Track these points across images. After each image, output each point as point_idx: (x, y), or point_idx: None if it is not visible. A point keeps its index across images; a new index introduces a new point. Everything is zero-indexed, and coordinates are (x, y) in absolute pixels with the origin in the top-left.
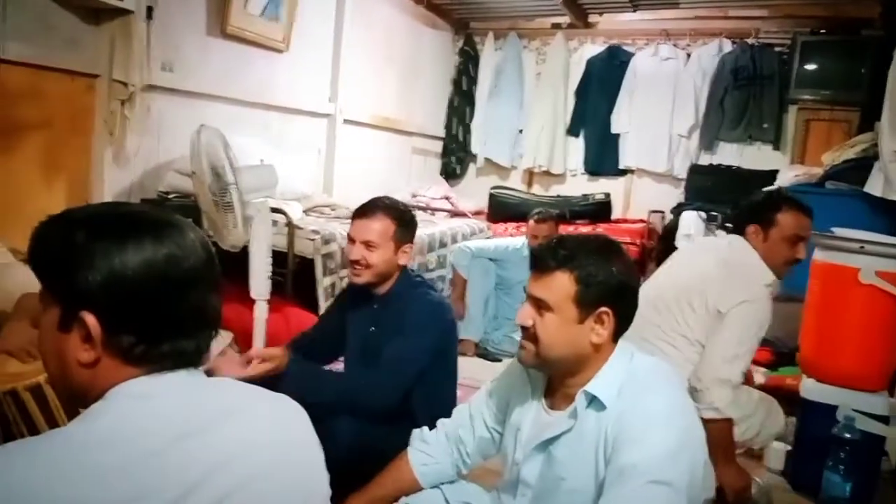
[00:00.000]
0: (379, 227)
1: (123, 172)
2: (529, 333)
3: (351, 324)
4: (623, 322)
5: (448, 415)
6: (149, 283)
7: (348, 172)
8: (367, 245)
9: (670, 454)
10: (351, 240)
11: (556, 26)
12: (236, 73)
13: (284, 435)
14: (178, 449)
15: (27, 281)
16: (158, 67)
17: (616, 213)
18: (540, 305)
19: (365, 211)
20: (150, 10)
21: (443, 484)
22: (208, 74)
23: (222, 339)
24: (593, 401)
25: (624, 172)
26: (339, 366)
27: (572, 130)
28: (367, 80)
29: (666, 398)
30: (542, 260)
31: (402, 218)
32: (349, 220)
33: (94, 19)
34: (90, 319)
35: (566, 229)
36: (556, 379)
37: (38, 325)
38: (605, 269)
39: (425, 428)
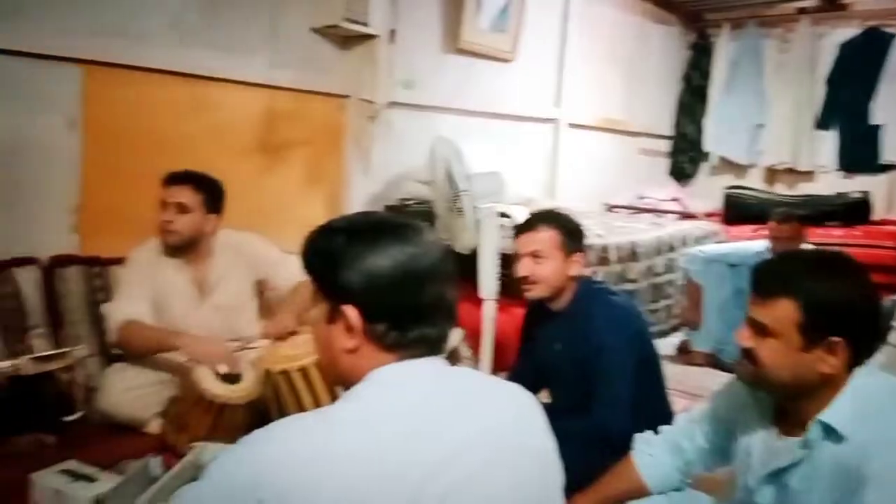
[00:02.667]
0: (544, 237)
1: (369, 182)
2: (749, 355)
3: (539, 347)
4: (861, 350)
5: (664, 418)
6: (396, 278)
7: (572, 176)
8: (535, 256)
9: None
10: (517, 256)
11: (802, 11)
12: (467, 86)
13: (521, 423)
14: (427, 431)
15: (297, 273)
16: (399, 85)
17: (877, 214)
18: (760, 329)
19: (528, 224)
20: (392, 33)
21: (670, 491)
22: (442, 89)
23: (454, 336)
24: (828, 431)
25: (886, 168)
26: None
27: (822, 123)
28: (591, 83)
29: None
30: (762, 283)
31: (568, 227)
32: None
33: (345, 45)
34: (351, 312)
35: (815, 232)
36: (783, 402)
37: (301, 318)
38: (834, 295)
39: (649, 432)
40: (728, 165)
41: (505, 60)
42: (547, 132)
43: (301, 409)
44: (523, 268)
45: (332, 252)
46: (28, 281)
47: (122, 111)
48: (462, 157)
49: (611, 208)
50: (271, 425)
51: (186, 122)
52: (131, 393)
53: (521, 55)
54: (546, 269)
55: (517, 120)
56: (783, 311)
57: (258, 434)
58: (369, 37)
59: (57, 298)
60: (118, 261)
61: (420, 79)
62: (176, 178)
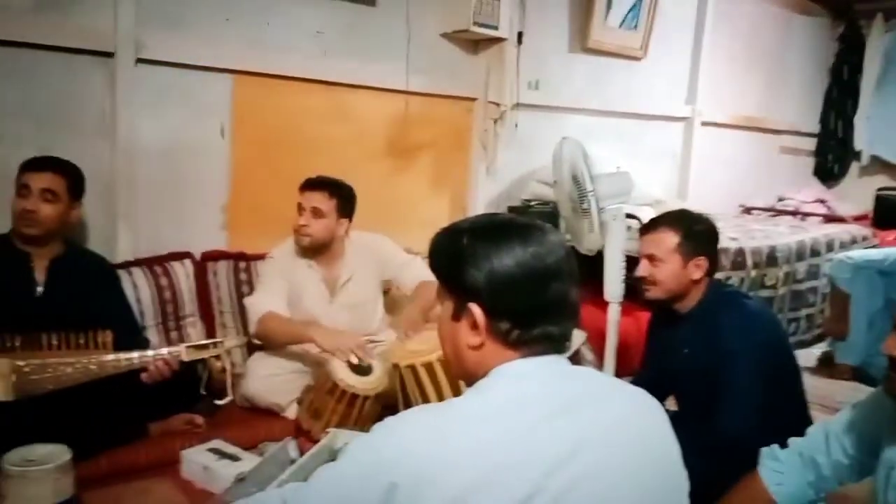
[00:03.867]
0: (661, 240)
1: (493, 183)
2: None
3: (665, 352)
4: None
5: (793, 429)
6: (520, 277)
7: (705, 176)
8: (651, 260)
9: None
10: (641, 255)
11: None
12: (595, 85)
13: (644, 424)
14: (548, 426)
15: (420, 274)
16: (525, 86)
17: None
18: None
19: (649, 225)
20: (520, 35)
21: None
22: (569, 89)
23: (577, 339)
24: None
25: None
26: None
27: None
28: (727, 79)
29: None
30: None
31: (690, 230)
32: None
33: (473, 49)
34: (476, 310)
35: None
36: None
37: (426, 312)
38: None
39: (775, 446)
40: (881, 165)
41: (635, 58)
42: (678, 131)
43: (426, 402)
44: (641, 269)
45: (458, 251)
46: (183, 274)
47: (267, 117)
48: (588, 157)
49: (748, 210)
50: (403, 414)
51: (326, 127)
52: (271, 380)
53: (653, 52)
54: (662, 272)
55: (647, 119)
56: None
57: (392, 421)
58: (498, 40)
59: (208, 290)
60: (262, 256)
61: (547, 79)
62: (311, 184)
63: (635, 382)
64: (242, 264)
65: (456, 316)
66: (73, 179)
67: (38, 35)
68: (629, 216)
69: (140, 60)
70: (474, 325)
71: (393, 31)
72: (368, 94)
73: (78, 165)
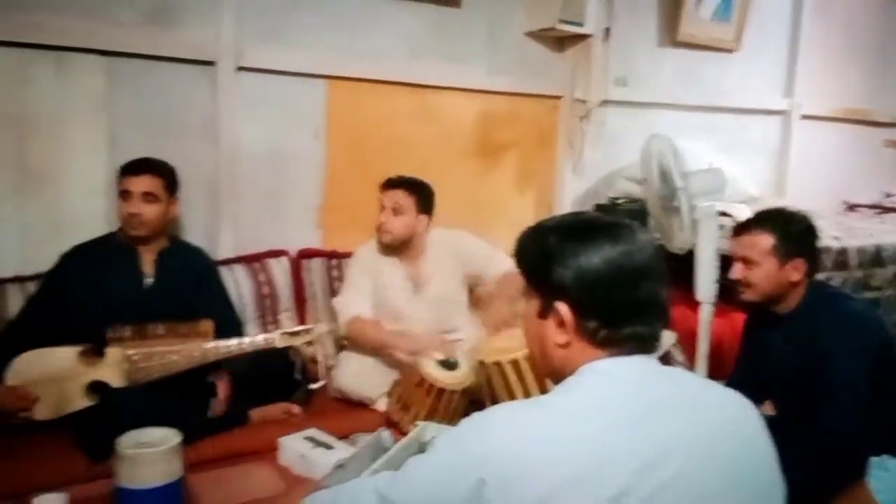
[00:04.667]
0: (755, 243)
1: (580, 181)
2: None
3: (761, 354)
4: None
5: None
6: (608, 276)
7: (804, 172)
8: (746, 262)
9: None
10: (734, 257)
11: None
12: (685, 80)
13: (738, 428)
14: (640, 426)
15: (503, 267)
16: (612, 83)
17: None
18: None
19: (743, 226)
20: (606, 31)
21: None
22: (658, 84)
23: (666, 340)
24: None
25: None
26: None
27: None
28: (827, 70)
29: None
30: None
31: (787, 231)
32: None
33: (559, 47)
34: (563, 308)
35: None
36: None
37: (512, 304)
38: None
39: (885, 456)
40: None
41: (728, 51)
42: (775, 125)
43: (512, 398)
44: (735, 271)
45: (545, 250)
46: (280, 270)
47: (358, 120)
48: (678, 153)
49: (851, 207)
50: (489, 410)
51: (414, 128)
52: (361, 375)
53: (747, 44)
54: (756, 275)
55: (742, 113)
56: None
57: (480, 417)
58: (584, 36)
59: (302, 286)
60: (352, 254)
61: (635, 75)
62: (391, 183)
63: (729, 385)
64: (335, 262)
65: (542, 314)
66: (168, 178)
67: (147, 46)
68: (722, 214)
69: (240, 68)
70: (561, 324)
71: (477, 32)
72: (454, 95)
73: (184, 168)
